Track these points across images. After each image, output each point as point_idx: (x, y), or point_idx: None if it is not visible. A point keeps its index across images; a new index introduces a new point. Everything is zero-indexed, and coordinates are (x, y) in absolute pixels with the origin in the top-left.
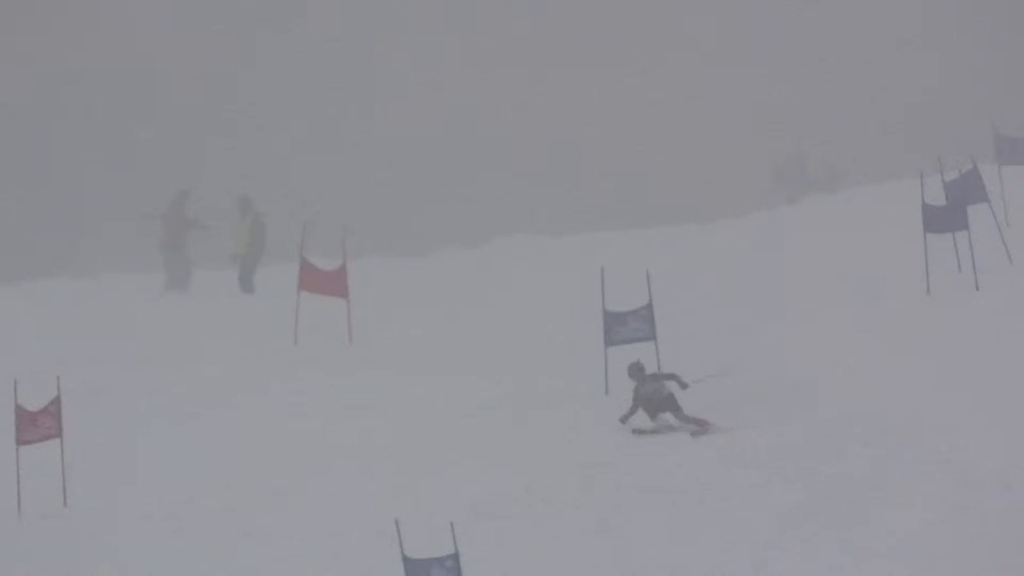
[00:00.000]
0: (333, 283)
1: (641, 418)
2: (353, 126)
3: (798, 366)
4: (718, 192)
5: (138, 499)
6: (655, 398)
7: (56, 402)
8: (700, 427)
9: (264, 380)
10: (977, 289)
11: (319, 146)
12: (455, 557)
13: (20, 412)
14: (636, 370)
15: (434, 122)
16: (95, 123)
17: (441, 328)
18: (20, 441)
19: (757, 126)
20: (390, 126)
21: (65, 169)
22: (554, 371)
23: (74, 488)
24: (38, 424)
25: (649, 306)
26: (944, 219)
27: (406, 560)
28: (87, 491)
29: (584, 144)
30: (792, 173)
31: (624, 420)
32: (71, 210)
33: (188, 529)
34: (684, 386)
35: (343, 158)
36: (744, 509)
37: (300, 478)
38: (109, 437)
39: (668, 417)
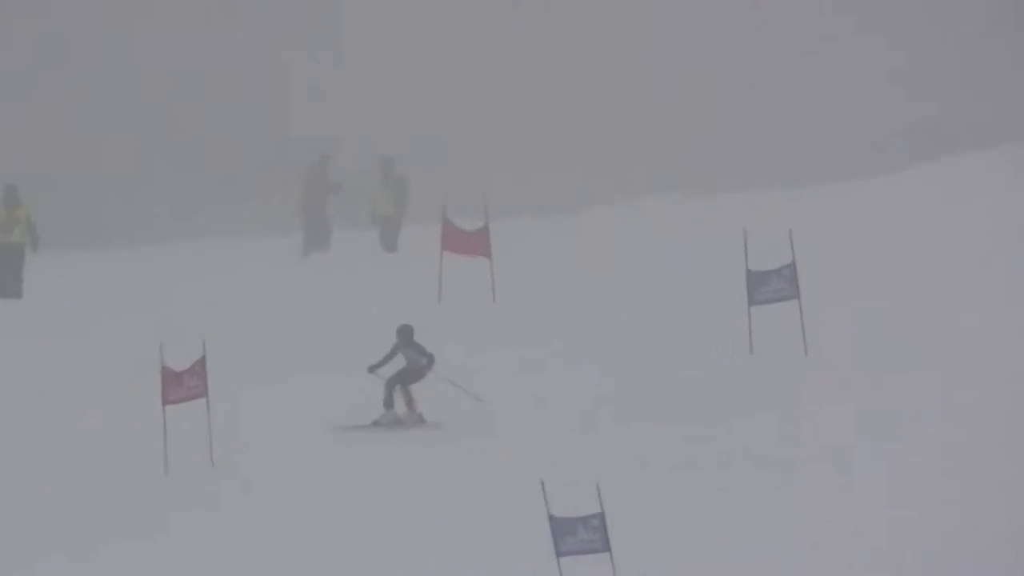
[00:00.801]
0: (475, 243)
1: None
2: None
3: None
4: (863, 149)
5: (283, 458)
6: (412, 368)
7: (201, 362)
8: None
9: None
10: None
11: (462, 107)
12: (601, 516)
13: (166, 372)
14: (405, 332)
15: (579, 77)
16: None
17: (583, 289)
18: (166, 400)
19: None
20: (531, 89)
21: (201, 130)
22: (696, 331)
23: (220, 447)
24: (184, 384)
25: (792, 265)
26: None
27: (552, 519)
28: (233, 450)
29: (735, 96)
30: None
31: (372, 370)
32: (208, 172)
33: (334, 487)
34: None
35: (484, 119)
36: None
37: (448, 439)
38: (254, 397)
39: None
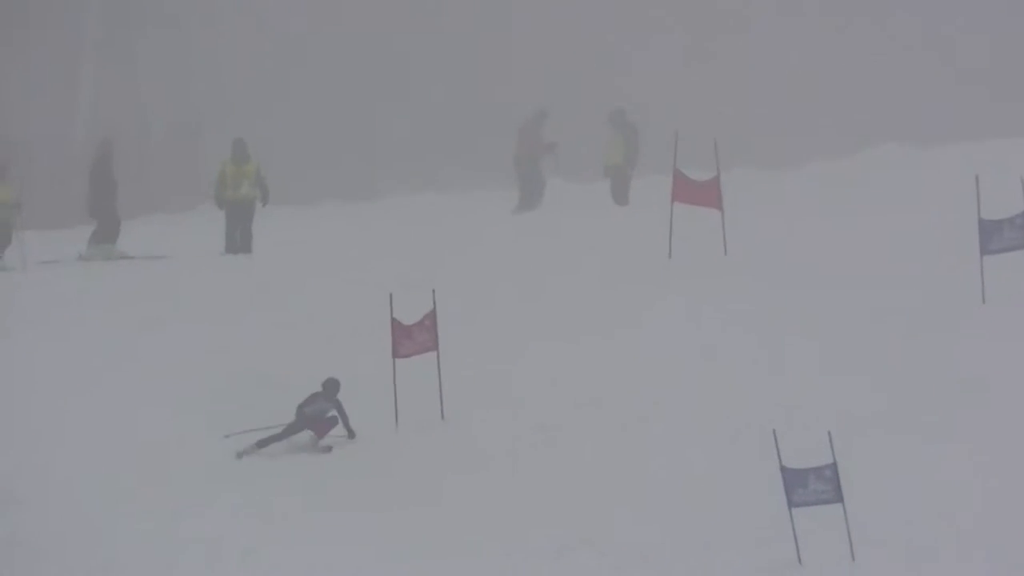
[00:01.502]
0: (706, 194)
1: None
2: (726, 41)
3: None
4: None
5: (513, 414)
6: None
7: (432, 315)
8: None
9: (639, 296)
10: None
11: (692, 59)
12: (833, 467)
13: (396, 325)
14: (331, 385)
15: (805, 28)
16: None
17: (810, 239)
18: (397, 354)
19: None
20: (759, 41)
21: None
22: (929, 281)
23: (451, 402)
24: (414, 338)
25: None
26: None
27: (784, 470)
28: (463, 405)
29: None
30: None
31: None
32: (436, 128)
33: (559, 445)
34: (349, 434)
35: (713, 69)
36: None
37: (670, 394)
38: (484, 352)
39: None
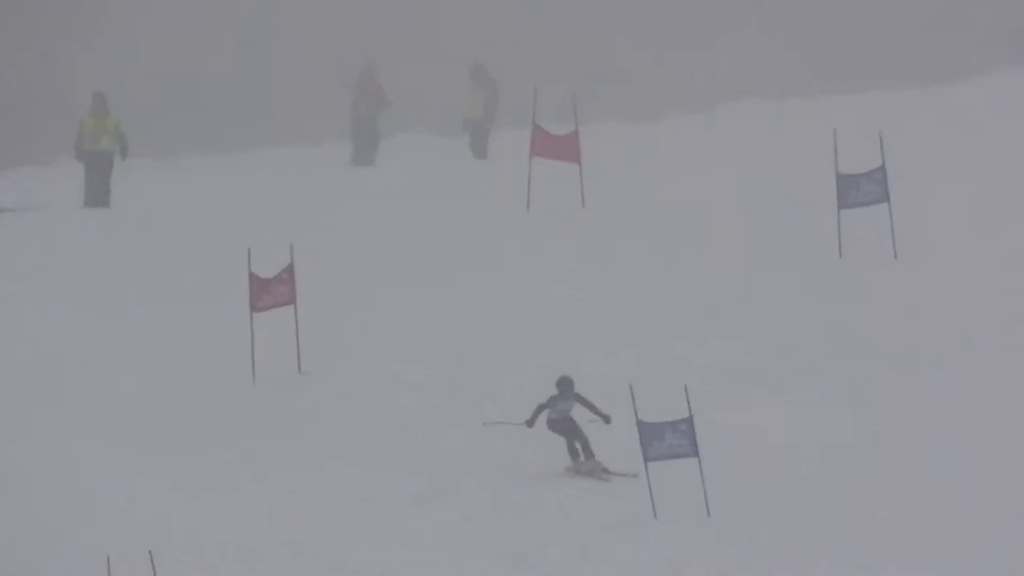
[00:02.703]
0: (565, 147)
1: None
2: None
3: None
4: (956, 52)
5: (371, 367)
6: (562, 420)
7: (289, 269)
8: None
9: (500, 244)
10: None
11: (550, 13)
12: (689, 421)
13: (254, 279)
14: (565, 384)
15: None
16: None
17: (668, 193)
18: (254, 308)
19: None
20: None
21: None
22: (786, 235)
23: (309, 355)
24: (271, 291)
25: (882, 168)
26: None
27: (640, 424)
28: (322, 358)
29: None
30: None
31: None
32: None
33: (428, 395)
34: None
35: (574, 23)
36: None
37: (536, 340)
38: (342, 306)
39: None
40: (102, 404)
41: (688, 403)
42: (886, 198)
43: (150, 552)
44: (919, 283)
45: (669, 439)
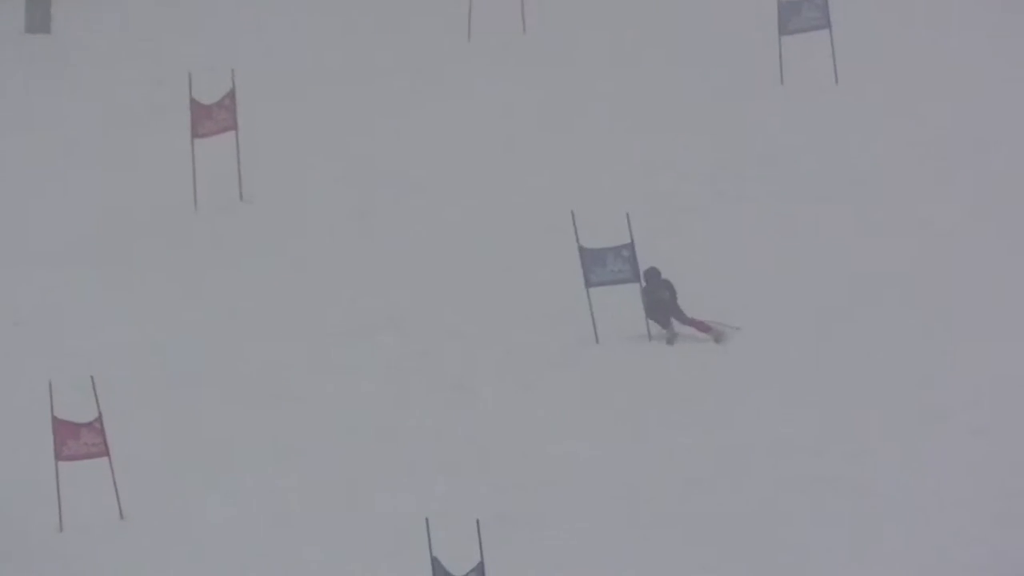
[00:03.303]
0: None
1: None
2: None
3: None
4: None
5: (315, 194)
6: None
7: (231, 95)
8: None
9: (438, 77)
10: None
11: None
12: (631, 247)
13: (195, 106)
14: (653, 275)
15: None
16: None
17: (609, 17)
18: (196, 134)
19: None
20: None
21: None
22: (728, 61)
23: (251, 183)
24: (213, 117)
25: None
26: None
27: (582, 250)
28: (264, 186)
29: None
30: None
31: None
32: None
33: (372, 223)
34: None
35: None
36: None
37: (449, 166)
38: (284, 133)
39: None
40: (45, 231)
41: (630, 230)
42: (827, 24)
43: (92, 377)
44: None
45: (611, 265)
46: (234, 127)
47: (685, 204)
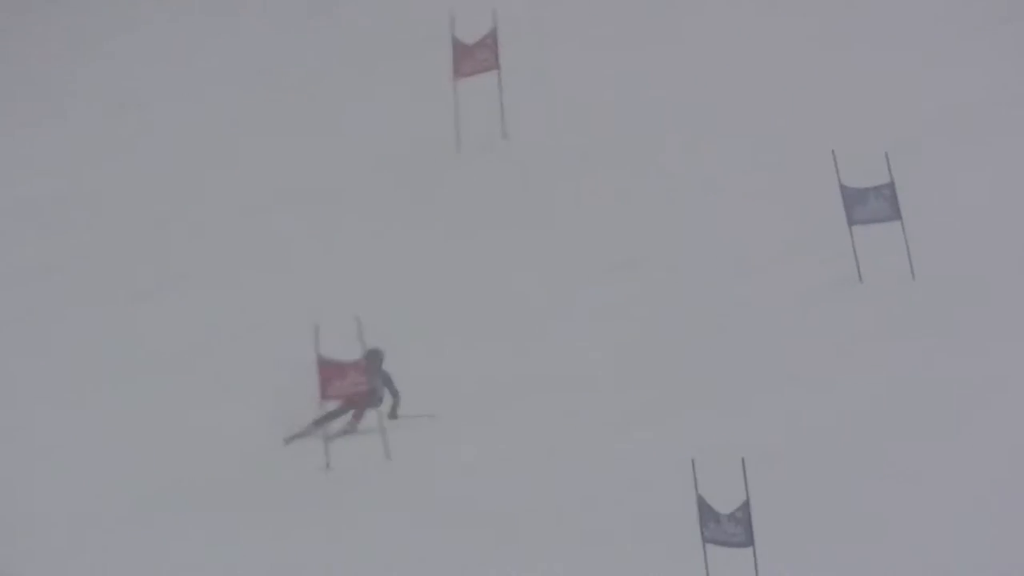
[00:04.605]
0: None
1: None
2: None
3: None
4: None
5: (579, 134)
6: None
7: (493, 34)
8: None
9: None
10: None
11: None
12: (891, 186)
13: (457, 45)
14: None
15: None
16: None
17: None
18: (458, 74)
19: None
20: None
21: None
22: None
23: (513, 121)
24: (475, 57)
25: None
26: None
27: (844, 188)
28: (528, 125)
29: None
30: None
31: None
32: None
33: (626, 161)
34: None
35: None
36: None
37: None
38: (549, 71)
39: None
40: (312, 167)
41: (889, 170)
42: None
43: (357, 317)
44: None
45: (872, 203)
46: (496, 67)
47: (948, 141)
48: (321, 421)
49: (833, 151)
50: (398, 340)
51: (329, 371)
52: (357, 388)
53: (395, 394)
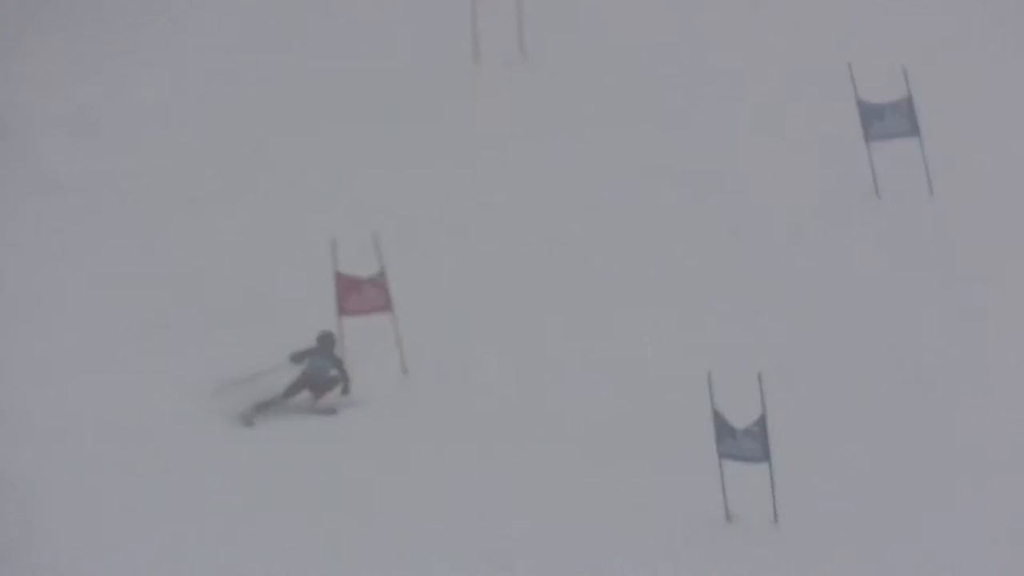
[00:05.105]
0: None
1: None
2: None
3: None
4: None
5: (598, 52)
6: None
7: None
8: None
9: None
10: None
11: None
12: (909, 101)
13: None
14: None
15: None
16: None
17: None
18: None
19: None
20: None
21: None
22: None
23: (533, 36)
24: None
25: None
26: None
27: (861, 104)
28: (547, 41)
29: None
30: None
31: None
32: None
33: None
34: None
35: None
36: None
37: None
38: None
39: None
40: (329, 86)
41: (907, 83)
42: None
43: (374, 232)
44: None
45: (889, 118)
46: None
47: (968, 54)
48: (266, 404)
49: (850, 64)
50: (415, 255)
51: (347, 285)
52: (375, 304)
53: (345, 376)
